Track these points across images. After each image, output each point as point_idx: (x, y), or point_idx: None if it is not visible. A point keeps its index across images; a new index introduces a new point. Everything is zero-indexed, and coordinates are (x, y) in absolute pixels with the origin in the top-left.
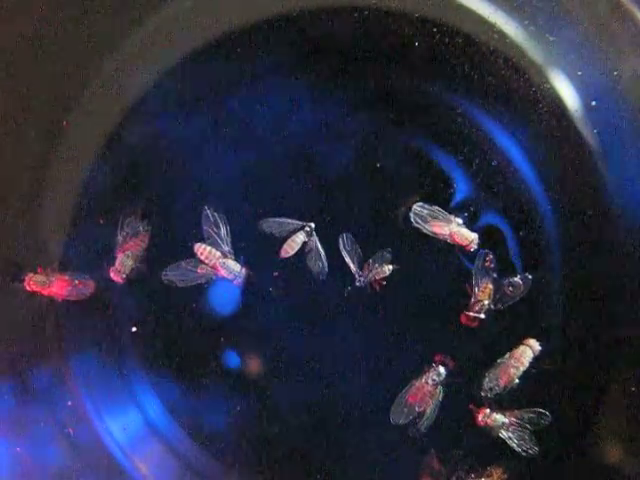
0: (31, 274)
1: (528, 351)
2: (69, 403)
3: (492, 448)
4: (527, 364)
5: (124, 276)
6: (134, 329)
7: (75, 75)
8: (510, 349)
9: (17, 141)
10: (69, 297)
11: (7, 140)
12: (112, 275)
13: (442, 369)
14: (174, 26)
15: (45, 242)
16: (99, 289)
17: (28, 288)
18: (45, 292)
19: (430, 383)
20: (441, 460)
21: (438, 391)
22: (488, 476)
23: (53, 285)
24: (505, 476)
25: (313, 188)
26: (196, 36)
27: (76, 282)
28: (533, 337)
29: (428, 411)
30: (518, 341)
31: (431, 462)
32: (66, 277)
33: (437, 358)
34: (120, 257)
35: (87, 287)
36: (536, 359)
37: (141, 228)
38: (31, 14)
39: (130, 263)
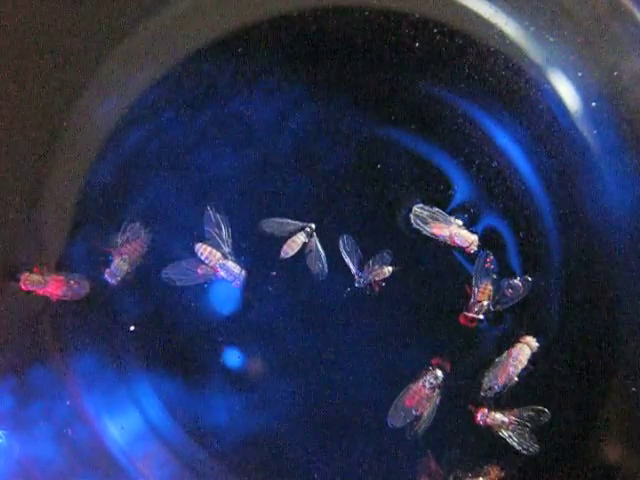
0: (27, 273)
1: (526, 349)
2: (68, 403)
3: (489, 446)
4: (525, 362)
5: (119, 279)
6: (133, 328)
7: (75, 75)
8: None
9: (17, 141)
10: (64, 297)
11: (7, 140)
12: (107, 277)
13: (439, 372)
14: (174, 26)
15: (45, 242)
16: (98, 289)
17: (23, 287)
18: (40, 292)
19: (427, 386)
20: (438, 461)
21: (435, 394)
22: (485, 475)
23: (48, 285)
24: (502, 474)
25: (313, 189)
26: (196, 36)
27: (71, 282)
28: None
29: (425, 414)
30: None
31: (428, 463)
32: (61, 277)
33: (434, 361)
34: (116, 260)
35: (82, 287)
36: (535, 358)
37: (143, 233)
38: (32, 14)
39: (126, 267)
